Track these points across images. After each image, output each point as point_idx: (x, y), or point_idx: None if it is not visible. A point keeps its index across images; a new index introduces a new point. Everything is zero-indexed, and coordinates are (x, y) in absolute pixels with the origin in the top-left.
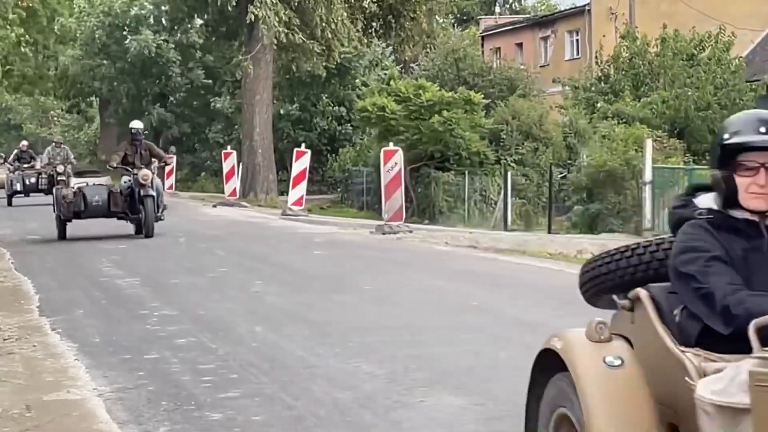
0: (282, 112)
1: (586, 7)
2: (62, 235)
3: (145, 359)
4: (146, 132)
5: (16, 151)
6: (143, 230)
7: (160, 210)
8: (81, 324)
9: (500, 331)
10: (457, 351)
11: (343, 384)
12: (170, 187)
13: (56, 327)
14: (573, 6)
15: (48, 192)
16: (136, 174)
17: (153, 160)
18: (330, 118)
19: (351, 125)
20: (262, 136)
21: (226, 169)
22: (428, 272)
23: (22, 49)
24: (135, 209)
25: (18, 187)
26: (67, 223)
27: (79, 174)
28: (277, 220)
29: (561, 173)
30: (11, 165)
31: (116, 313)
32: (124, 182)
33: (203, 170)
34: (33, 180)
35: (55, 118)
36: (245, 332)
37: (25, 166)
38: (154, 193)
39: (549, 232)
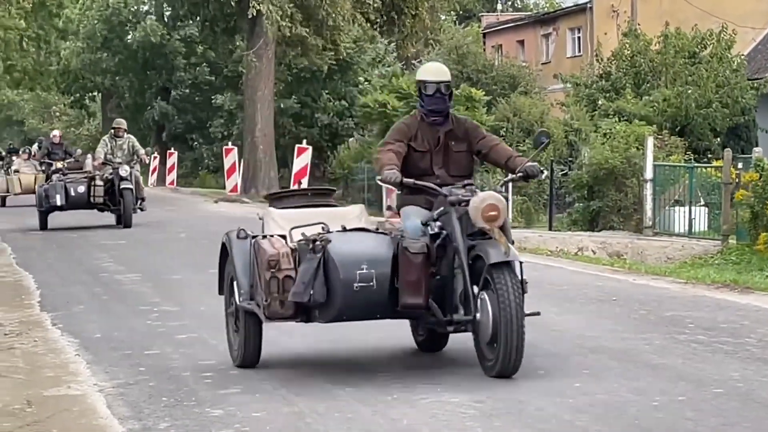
0: (282, 107)
1: (588, 5)
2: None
3: (146, 355)
4: (151, 126)
5: (43, 142)
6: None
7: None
8: (82, 319)
9: None
10: (457, 348)
11: (343, 381)
12: (171, 183)
13: (57, 322)
14: (575, 4)
15: (105, 207)
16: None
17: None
18: (331, 114)
19: (353, 120)
20: (264, 132)
21: (227, 165)
22: None
23: (24, 44)
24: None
25: (58, 199)
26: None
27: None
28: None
29: (562, 170)
30: (39, 163)
31: (117, 309)
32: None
33: (204, 167)
34: (81, 189)
35: (57, 114)
36: None
37: (59, 166)
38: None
39: (550, 229)
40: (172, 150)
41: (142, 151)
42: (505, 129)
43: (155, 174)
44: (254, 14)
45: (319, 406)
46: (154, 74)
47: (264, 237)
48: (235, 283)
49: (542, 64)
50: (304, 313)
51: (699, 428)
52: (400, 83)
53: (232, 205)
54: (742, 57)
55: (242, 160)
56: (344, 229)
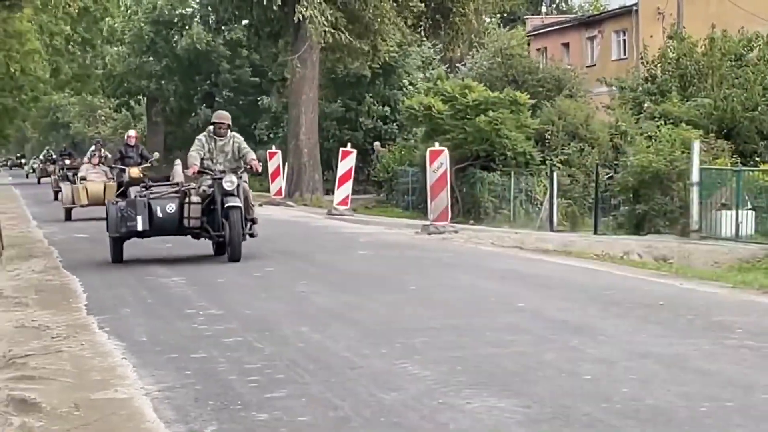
0: (327, 110)
1: (634, 7)
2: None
3: (192, 358)
4: (196, 131)
5: (99, 143)
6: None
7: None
8: (128, 323)
9: (546, 333)
10: (503, 352)
11: (389, 385)
12: None
13: (104, 325)
14: (621, 6)
15: (204, 233)
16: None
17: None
18: (375, 118)
19: (396, 125)
20: (308, 135)
21: (271, 168)
22: (474, 273)
23: (70, 48)
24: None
25: (139, 222)
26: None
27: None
28: (322, 219)
29: (607, 174)
30: (109, 169)
31: (163, 312)
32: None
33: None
34: (171, 208)
35: (103, 117)
36: (291, 332)
37: (134, 173)
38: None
39: (595, 233)
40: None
41: (252, 155)
42: (549, 132)
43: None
44: (299, 19)
45: (365, 410)
46: (199, 79)
47: None
48: None
49: (587, 66)
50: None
51: None
52: (444, 86)
53: (276, 208)
54: None
55: (286, 164)
56: None
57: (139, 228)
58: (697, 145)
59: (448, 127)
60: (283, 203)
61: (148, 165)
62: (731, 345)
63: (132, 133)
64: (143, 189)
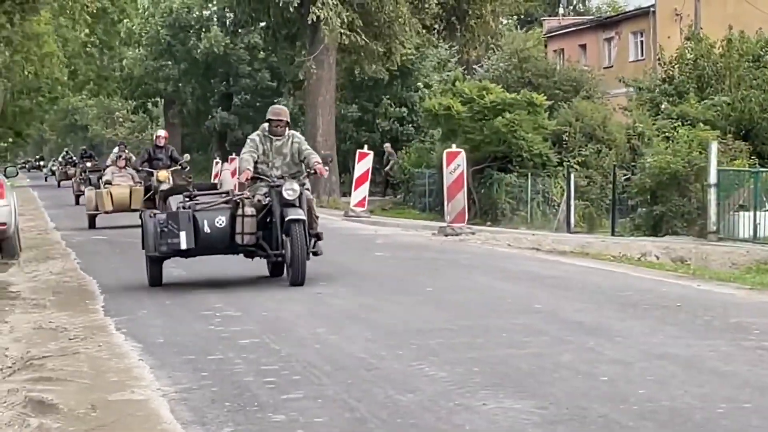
0: (343, 112)
1: (651, 9)
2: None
3: (209, 360)
4: (212, 133)
5: (120, 146)
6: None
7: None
8: (145, 324)
9: (562, 334)
10: (519, 354)
11: (406, 386)
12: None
13: (121, 327)
14: (638, 7)
15: (260, 252)
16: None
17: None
18: (392, 119)
19: (413, 126)
20: (325, 137)
21: None
22: (491, 274)
23: (88, 50)
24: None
25: (183, 239)
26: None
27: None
28: (339, 221)
29: (624, 175)
30: (136, 172)
31: (180, 314)
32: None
33: None
34: (221, 222)
35: (120, 119)
36: (307, 333)
37: (161, 175)
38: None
39: (612, 235)
40: (234, 156)
41: (315, 157)
42: (567, 133)
43: (217, 180)
44: (314, 20)
45: (381, 412)
46: (217, 82)
47: None
48: None
49: (604, 68)
50: None
51: None
52: (462, 87)
53: None
54: None
55: None
56: None
57: (183, 246)
58: (714, 146)
59: (466, 128)
60: None
61: (179, 168)
62: (748, 346)
63: (161, 133)
64: (187, 199)
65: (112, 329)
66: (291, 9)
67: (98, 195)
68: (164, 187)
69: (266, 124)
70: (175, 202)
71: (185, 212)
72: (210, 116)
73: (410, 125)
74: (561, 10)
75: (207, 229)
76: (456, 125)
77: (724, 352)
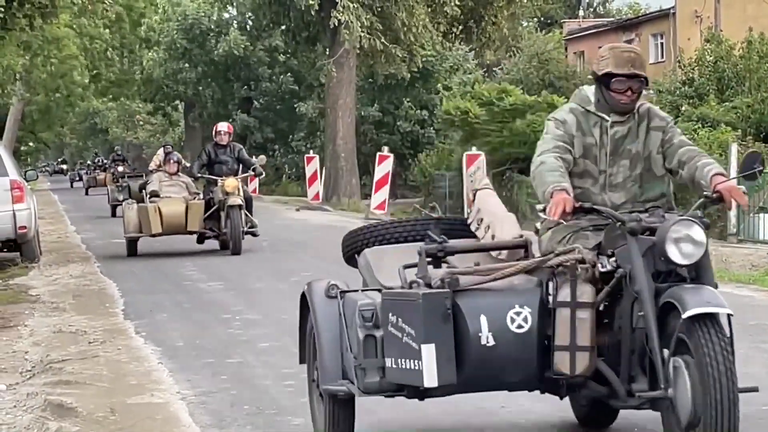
0: (364, 114)
1: (671, 11)
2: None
3: (228, 363)
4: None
5: (167, 147)
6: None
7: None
8: (165, 328)
9: None
10: None
11: None
12: (254, 191)
13: (140, 330)
14: (658, 9)
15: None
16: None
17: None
18: (412, 122)
19: (433, 129)
20: (345, 140)
21: (309, 173)
22: None
23: (109, 54)
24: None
25: (430, 375)
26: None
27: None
28: (359, 224)
29: None
30: (193, 180)
31: (200, 317)
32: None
33: (287, 175)
34: (523, 325)
35: (141, 122)
36: None
37: (224, 183)
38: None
39: None
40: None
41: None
42: None
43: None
44: (336, 24)
45: (399, 415)
46: (237, 85)
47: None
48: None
49: None
50: None
51: None
52: (481, 90)
53: (313, 213)
54: None
55: (324, 168)
56: None
57: (428, 383)
58: (734, 148)
59: (485, 131)
60: (320, 208)
61: (252, 174)
62: (767, 349)
63: (223, 127)
64: (438, 250)
65: (132, 332)
66: (312, 12)
67: (142, 211)
68: (233, 200)
69: None
70: (406, 273)
71: (439, 295)
72: (230, 119)
73: (431, 128)
74: (581, 12)
75: (488, 340)
76: (473, 128)
77: (742, 355)
